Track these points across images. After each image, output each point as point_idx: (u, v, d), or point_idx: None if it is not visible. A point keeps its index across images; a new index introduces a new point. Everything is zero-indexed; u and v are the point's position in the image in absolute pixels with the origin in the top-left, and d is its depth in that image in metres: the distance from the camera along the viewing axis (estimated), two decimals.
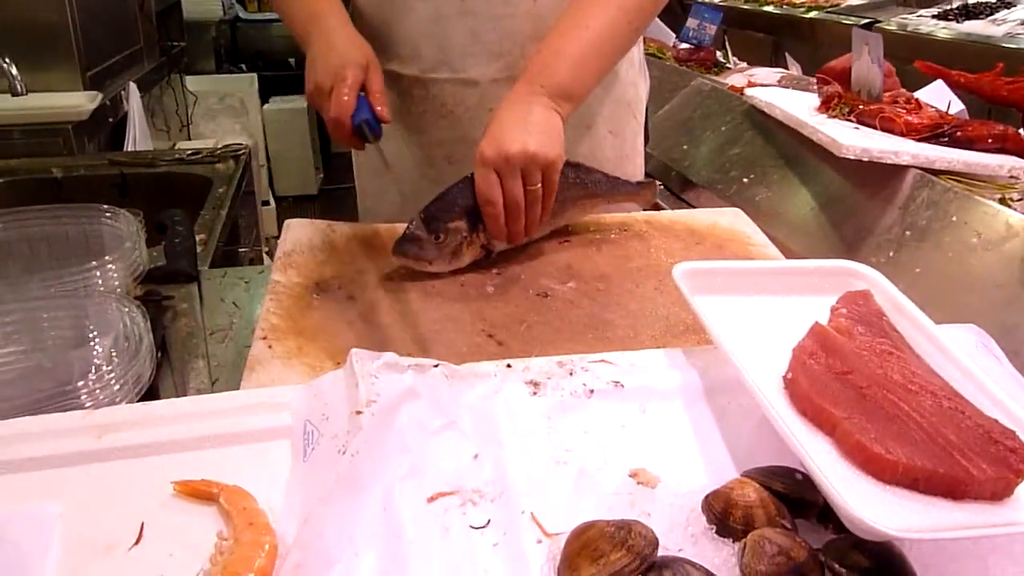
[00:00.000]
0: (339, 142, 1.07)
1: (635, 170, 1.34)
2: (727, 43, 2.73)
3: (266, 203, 4.16)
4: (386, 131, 1.09)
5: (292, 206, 4.81)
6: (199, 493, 0.62)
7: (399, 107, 1.22)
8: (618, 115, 1.28)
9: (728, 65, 2.44)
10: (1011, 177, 1.21)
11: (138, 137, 2.57)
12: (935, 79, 1.61)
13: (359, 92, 1.03)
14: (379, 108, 1.04)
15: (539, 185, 1.01)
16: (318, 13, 1.11)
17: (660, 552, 0.56)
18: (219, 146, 2.07)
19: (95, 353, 0.84)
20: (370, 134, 1.03)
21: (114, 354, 0.81)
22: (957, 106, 1.47)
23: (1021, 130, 1.31)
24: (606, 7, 1.06)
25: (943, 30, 2.21)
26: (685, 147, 1.66)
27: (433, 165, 1.25)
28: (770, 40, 3.12)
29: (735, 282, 0.84)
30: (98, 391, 0.78)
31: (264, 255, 2.42)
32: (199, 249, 1.44)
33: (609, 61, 1.10)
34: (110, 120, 2.51)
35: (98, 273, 0.96)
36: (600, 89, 1.20)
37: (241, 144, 2.10)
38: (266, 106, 4.57)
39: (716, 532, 0.60)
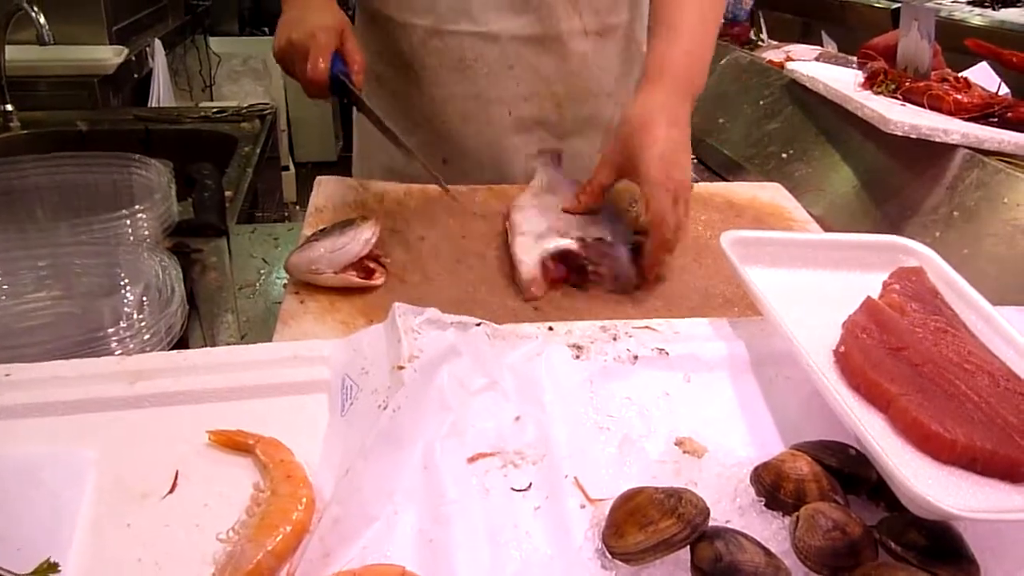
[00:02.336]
0: (313, 94, 1.03)
1: None
2: (762, 20, 2.67)
3: (286, 168, 4.14)
4: (395, 85, 1.08)
5: (312, 172, 4.78)
6: (235, 443, 0.61)
7: (411, 59, 1.17)
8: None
9: (761, 43, 2.39)
10: None
11: (162, 94, 2.55)
12: (977, 63, 1.56)
13: (332, 51, 1.00)
14: (355, 72, 1.01)
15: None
16: None
17: (709, 523, 0.54)
18: (246, 106, 2.05)
19: (126, 302, 0.83)
20: (348, 82, 1.00)
21: (146, 303, 0.80)
22: (1003, 88, 1.43)
23: None
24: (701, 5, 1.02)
25: (978, 17, 2.16)
26: (721, 120, 1.62)
27: (446, 121, 1.20)
28: (800, 22, 3.06)
29: (783, 253, 0.82)
30: (128, 339, 0.76)
31: (285, 220, 2.40)
32: (227, 205, 1.43)
33: (711, 55, 1.06)
34: (135, 76, 2.50)
35: (128, 223, 0.95)
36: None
37: (267, 104, 2.08)
38: None
39: (765, 505, 0.58)
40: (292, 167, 4.41)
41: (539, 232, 0.93)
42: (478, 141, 1.22)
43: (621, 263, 0.91)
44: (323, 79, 0.98)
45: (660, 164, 0.90)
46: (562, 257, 0.91)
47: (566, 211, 0.99)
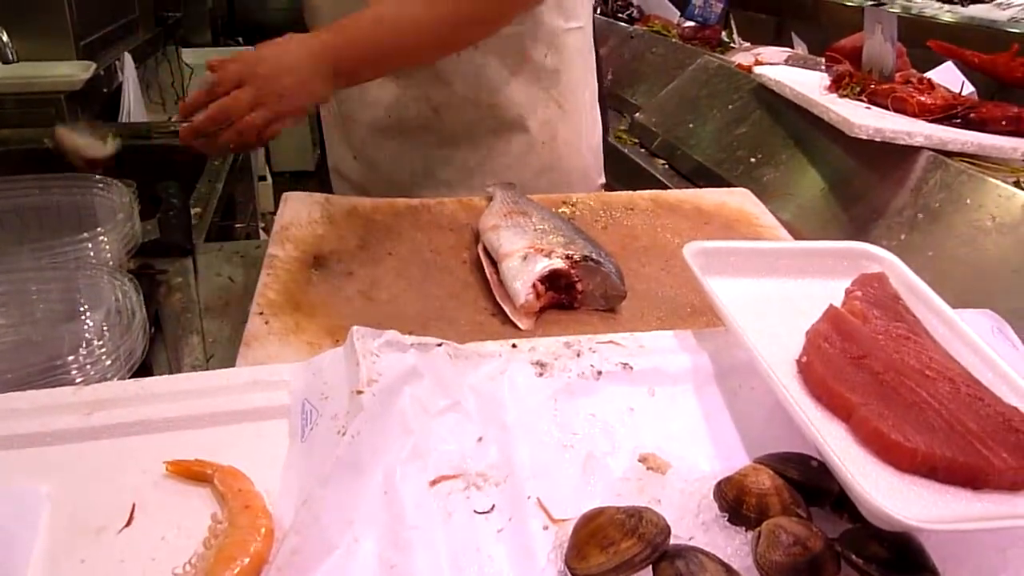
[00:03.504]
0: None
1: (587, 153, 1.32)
2: (732, 22, 2.69)
3: (263, 178, 4.11)
4: None
5: (289, 182, 4.75)
6: (193, 474, 0.60)
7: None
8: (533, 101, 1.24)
9: (733, 44, 2.41)
10: None
11: (133, 109, 2.53)
12: (944, 61, 1.58)
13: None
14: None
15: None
16: None
17: (671, 540, 0.54)
18: None
19: (86, 327, 0.82)
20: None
21: (105, 328, 0.79)
22: (967, 88, 1.44)
23: None
24: (399, 10, 1.02)
25: (948, 14, 2.18)
26: (691, 125, 1.62)
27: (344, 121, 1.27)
28: (773, 21, 3.08)
29: (747, 263, 0.82)
30: (89, 366, 0.75)
31: (260, 231, 2.38)
32: (194, 223, 1.41)
33: (395, 60, 1.07)
34: (104, 91, 2.47)
35: (90, 245, 0.93)
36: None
37: None
38: None
39: (728, 520, 0.58)
40: (269, 177, 4.38)
41: (523, 255, 0.91)
42: (367, 141, 1.27)
43: (610, 279, 0.90)
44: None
45: (260, 54, 0.93)
46: (551, 277, 0.89)
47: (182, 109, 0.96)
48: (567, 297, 0.91)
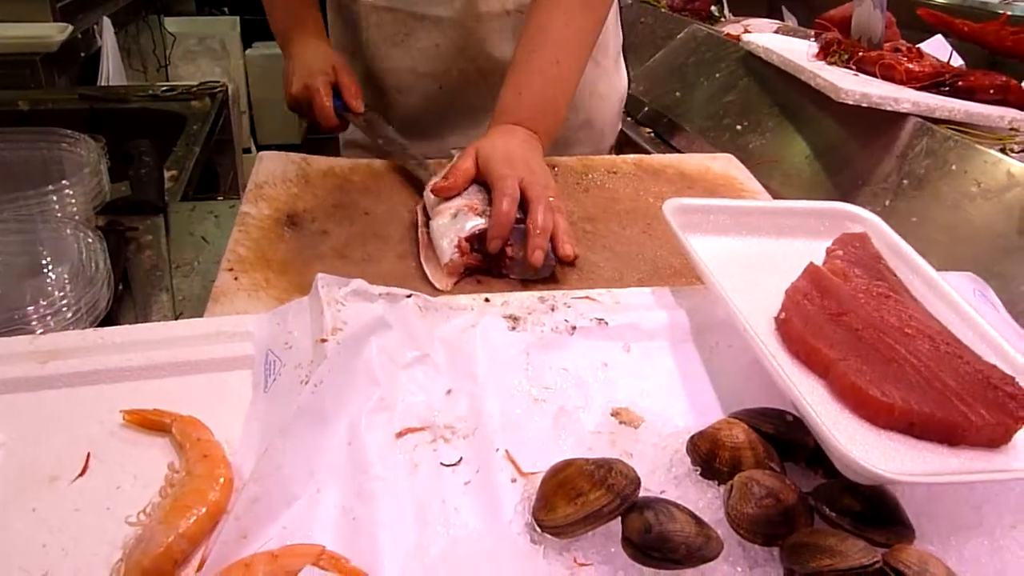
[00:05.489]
0: (328, 129, 1.19)
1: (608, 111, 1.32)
2: None
3: (248, 151, 4.06)
4: (357, 58, 1.23)
5: None
6: (150, 423, 0.58)
7: (359, 32, 1.24)
8: None
9: (722, 18, 2.38)
10: (1011, 129, 1.17)
11: (112, 73, 2.48)
12: (933, 35, 1.56)
13: (331, 91, 1.16)
14: (352, 101, 1.16)
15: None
16: (294, 27, 1.24)
17: (642, 493, 0.52)
18: (196, 84, 1.99)
19: (48, 281, 0.79)
20: (350, 116, 1.17)
21: (67, 281, 0.76)
22: (956, 61, 1.42)
23: (1023, 82, 1.27)
24: (566, 33, 1.02)
25: None
26: (678, 94, 1.60)
27: (386, 92, 1.26)
28: None
29: (728, 221, 0.81)
30: (49, 318, 0.73)
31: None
32: (169, 185, 1.38)
33: (575, 87, 1.07)
34: (82, 54, 2.42)
35: (55, 198, 0.91)
36: None
37: (218, 82, 2.02)
38: (249, 51, 4.42)
39: (701, 474, 0.57)
40: (254, 150, 4.32)
41: (454, 212, 0.88)
42: (415, 111, 1.26)
43: None
44: (332, 119, 1.16)
45: (505, 160, 0.92)
46: (480, 238, 0.85)
47: (434, 192, 0.94)
48: (496, 262, 0.86)
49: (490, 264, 0.86)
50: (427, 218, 0.92)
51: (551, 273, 0.86)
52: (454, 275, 0.83)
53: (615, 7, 1.32)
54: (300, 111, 1.22)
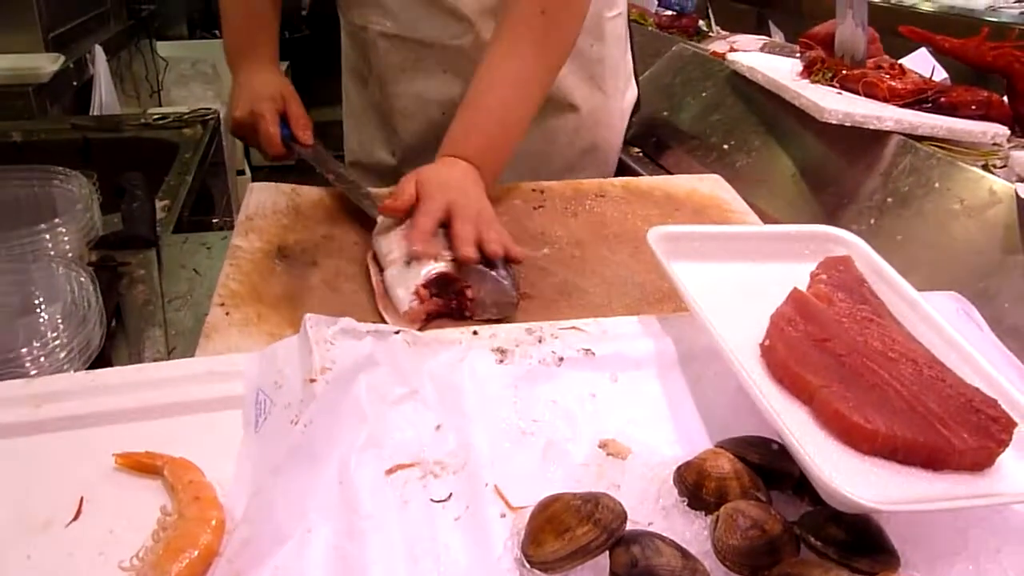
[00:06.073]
0: (274, 158, 1.18)
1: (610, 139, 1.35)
2: (710, 12, 2.68)
3: (241, 172, 4.07)
4: (368, 83, 1.27)
5: (269, 177, 4.70)
6: (142, 466, 0.59)
7: (368, 59, 1.27)
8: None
9: (710, 33, 2.40)
10: (994, 144, 1.18)
11: (105, 102, 2.49)
12: (918, 48, 1.57)
13: (278, 119, 1.16)
14: (299, 133, 1.17)
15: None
16: (245, 51, 1.25)
17: (629, 526, 0.53)
18: (188, 111, 2.00)
19: (42, 321, 0.80)
20: (297, 147, 1.17)
21: (60, 321, 0.77)
22: (940, 75, 1.44)
23: (1005, 97, 1.28)
24: (519, 76, 1.03)
25: (926, 3, 2.18)
26: (665, 113, 1.62)
27: (392, 116, 1.29)
28: (754, 12, 3.07)
29: (712, 247, 0.81)
30: (43, 359, 0.74)
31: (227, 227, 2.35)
32: (162, 215, 1.39)
33: (524, 129, 1.07)
34: (74, 84, 2.43)
35: (47, 236, 0.91)
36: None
37: (210, 109, 2.03)
38: None
39: (688, 505, 0.57)
40: (248, 172, 4.34)
41: (407, 260, 0.86)
42: (419, 139, 1.29)
43: (501, 285, 0.85)
44: (278, 147, 1.16)
45: (439, 185, 0.93)
46: (438, 283, 0.84)
47: (380, 210, 0.95)
48: (458, 305, 0.84)
49: (451, 308, 0.85)
50: (379, 266, 0.90)
51: (513, 311, 0.85)
52: (416, 322, 0.82)
53: (625, 31, 1.34)
54: (243, 136, 1.21)
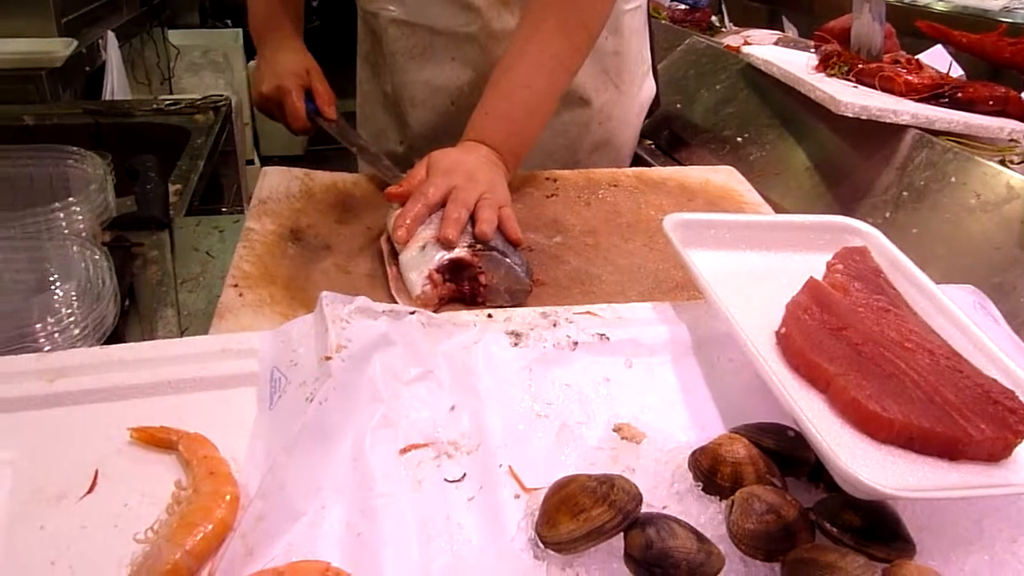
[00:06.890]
0: (298, 131, 1.22)
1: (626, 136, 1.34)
2: (724, 7, 2.67)
3: (251, 163, 4.08)
4: (380, 70, 1.27)
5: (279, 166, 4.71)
6: (157, 440, 0.59)
7: (380, 45, 1.27)
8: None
9: (723, 28, 2.39)
10: (1011, 140, 1.18)
11: (116, 87, 2.49)
12: (935, 44, 1.57)
13: (303, 93, 1.19)
14: (325, 108, 1.19)
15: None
16: (271, 28, 1.26)
17: (643, 509, 0.53)
18: (200, 98, 2.00)
19: (56, 297, 0.80)
20: (322, 121, 1.19)
21: (75, 298, 0.77)
22: (956, 71, 1.43)
23: (1022, 93, 1.27)
24: (542, 57, 1.02)
25: (940, 2, 2.17)
26: (679, 105, 1.61)
27: (401, 104, 1.29)
28: (765, 8, 3.06)
29: (728, 235, 0.81)
30: (57, 335, 0.74)
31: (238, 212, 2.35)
32: (174, 199, 1.39)
33: (550, 111, 1.07)
34: (87, 69, 2.44)
35: (62, 215, 0.91)
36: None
37: (222, 96, 2.03)
38: (251, 63, 4.46)
39: (703, 489, 0.57)
40: (257, 162, 4.35)
41: (422, 244, 0.86)
42: (428, 127, 1.28)
43: (514, 272, 0.85)
44: (303, 121, 1.19)
45: (446, 169, 0.93)
46: (452, 268, 0.84)
47: (386, 196, 0.96)
48: (470, 291, 0.84)
49: (464, 293, 0.85)
50: (393, 249, 0.90)
51: (525, 299, 0.85)
52: (428, 307, 0.81)
53: (644, 25, 1.33)
54: (268, 111, 1.23)
